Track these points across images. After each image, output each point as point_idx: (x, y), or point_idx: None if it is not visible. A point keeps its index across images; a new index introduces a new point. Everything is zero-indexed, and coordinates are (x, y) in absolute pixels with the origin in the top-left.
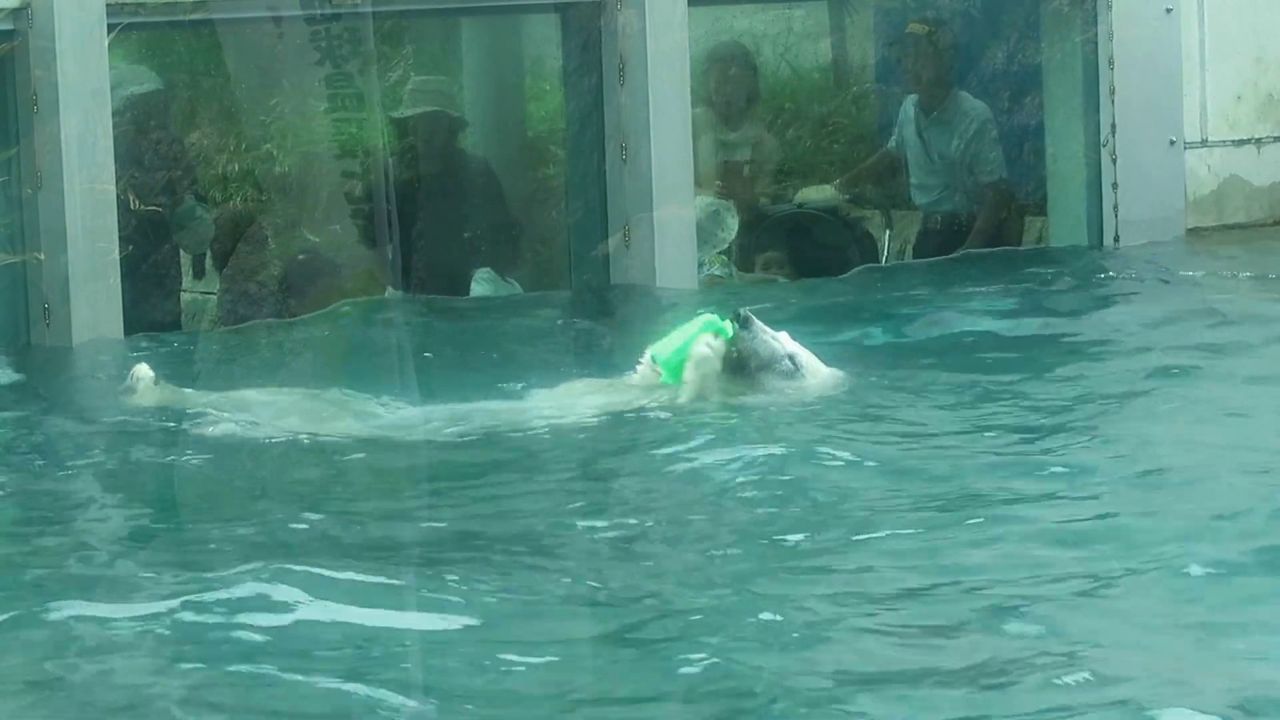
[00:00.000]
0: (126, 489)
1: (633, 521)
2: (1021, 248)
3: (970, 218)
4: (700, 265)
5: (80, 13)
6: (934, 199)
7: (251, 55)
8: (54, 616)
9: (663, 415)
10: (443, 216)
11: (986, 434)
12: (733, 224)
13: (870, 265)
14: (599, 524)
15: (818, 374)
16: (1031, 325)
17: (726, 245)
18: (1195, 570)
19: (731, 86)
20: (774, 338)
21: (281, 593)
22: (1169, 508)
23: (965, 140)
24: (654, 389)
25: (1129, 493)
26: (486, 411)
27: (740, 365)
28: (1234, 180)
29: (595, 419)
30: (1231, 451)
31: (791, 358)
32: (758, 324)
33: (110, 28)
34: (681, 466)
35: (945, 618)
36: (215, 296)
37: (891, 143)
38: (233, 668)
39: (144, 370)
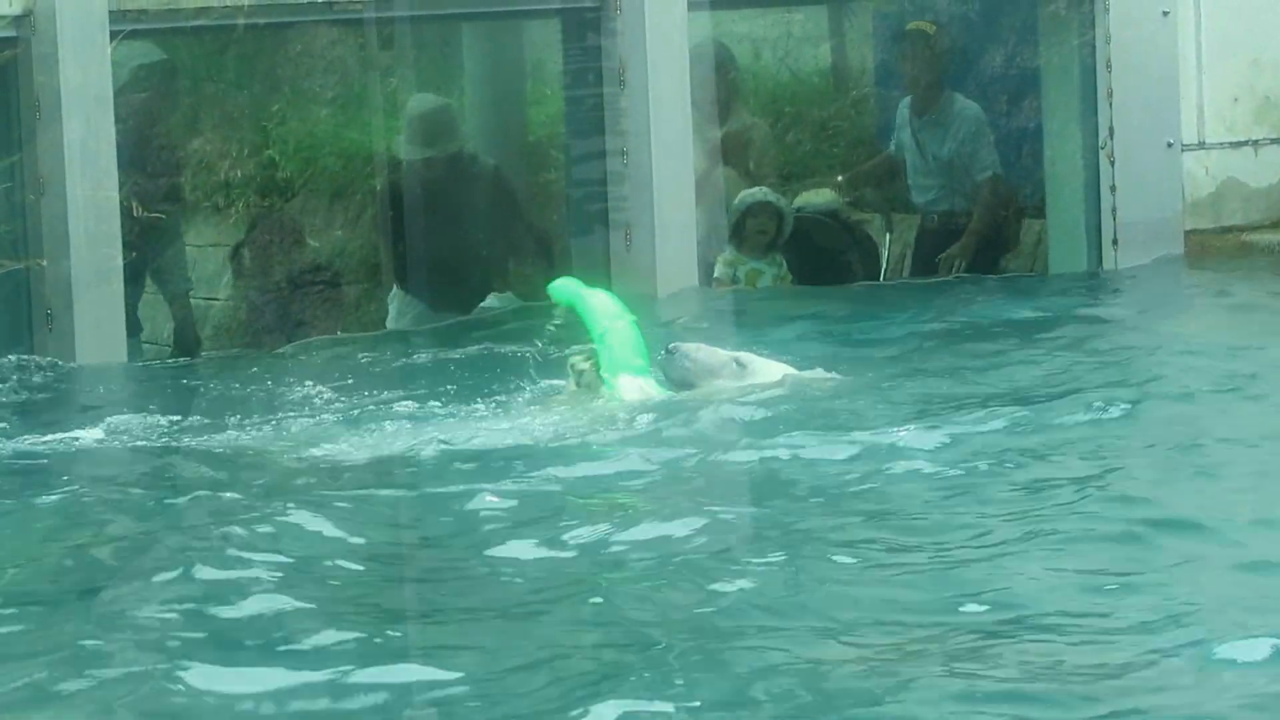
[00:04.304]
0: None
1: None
2: (1018, 250)
3: (967, 217)
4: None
5: (83, 19)
6: (930, 199)
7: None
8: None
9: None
10: (451, 231)
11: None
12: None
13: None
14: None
15: (768, 372)
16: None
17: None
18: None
19: (713, 85)
20: (712, 352)
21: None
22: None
23: (959, 140)
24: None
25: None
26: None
27: (685, 384)
28: (1231, 182)
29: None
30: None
31: (737, 360)
32: (684, 348)
33: (113, 34)
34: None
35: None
36: (219, 303)
37: (891, 146)
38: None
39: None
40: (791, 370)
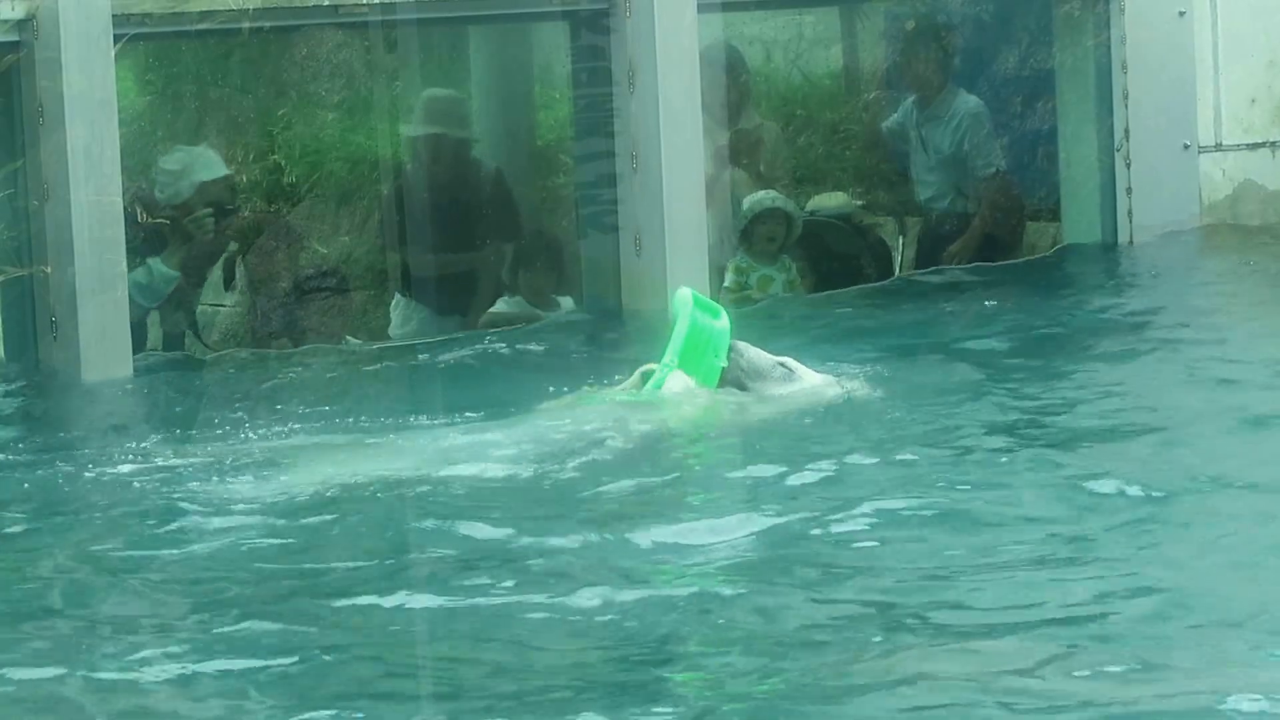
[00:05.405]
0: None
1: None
2: (1026, 242)
3: (971, 214)
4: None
5: (86, 23)
6: (932, 194)
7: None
8: None
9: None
10: (453, 235)
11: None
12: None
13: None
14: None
15: (812, 378)
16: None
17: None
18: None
19: (723, 87)
20: (760, 354)
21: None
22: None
23: (959, 135)
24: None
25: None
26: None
27: (737, 383)
28: (1249, 184)
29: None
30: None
31: (784, 365)
32: (739, 347)
33: (116, 38)
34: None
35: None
36: (225, 309)
37: (883, 126)
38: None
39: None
40: (833, 379)
